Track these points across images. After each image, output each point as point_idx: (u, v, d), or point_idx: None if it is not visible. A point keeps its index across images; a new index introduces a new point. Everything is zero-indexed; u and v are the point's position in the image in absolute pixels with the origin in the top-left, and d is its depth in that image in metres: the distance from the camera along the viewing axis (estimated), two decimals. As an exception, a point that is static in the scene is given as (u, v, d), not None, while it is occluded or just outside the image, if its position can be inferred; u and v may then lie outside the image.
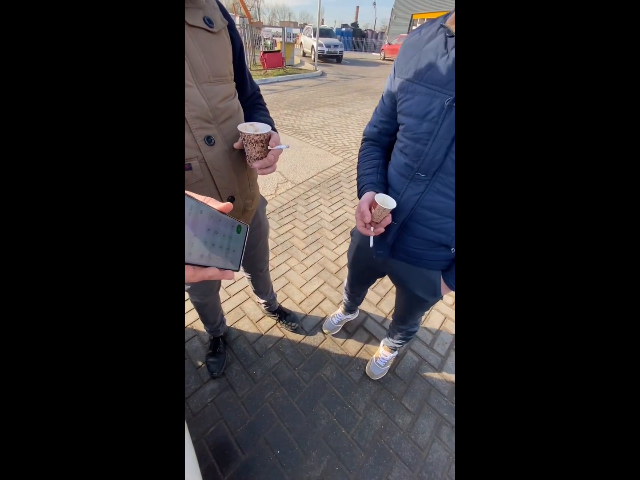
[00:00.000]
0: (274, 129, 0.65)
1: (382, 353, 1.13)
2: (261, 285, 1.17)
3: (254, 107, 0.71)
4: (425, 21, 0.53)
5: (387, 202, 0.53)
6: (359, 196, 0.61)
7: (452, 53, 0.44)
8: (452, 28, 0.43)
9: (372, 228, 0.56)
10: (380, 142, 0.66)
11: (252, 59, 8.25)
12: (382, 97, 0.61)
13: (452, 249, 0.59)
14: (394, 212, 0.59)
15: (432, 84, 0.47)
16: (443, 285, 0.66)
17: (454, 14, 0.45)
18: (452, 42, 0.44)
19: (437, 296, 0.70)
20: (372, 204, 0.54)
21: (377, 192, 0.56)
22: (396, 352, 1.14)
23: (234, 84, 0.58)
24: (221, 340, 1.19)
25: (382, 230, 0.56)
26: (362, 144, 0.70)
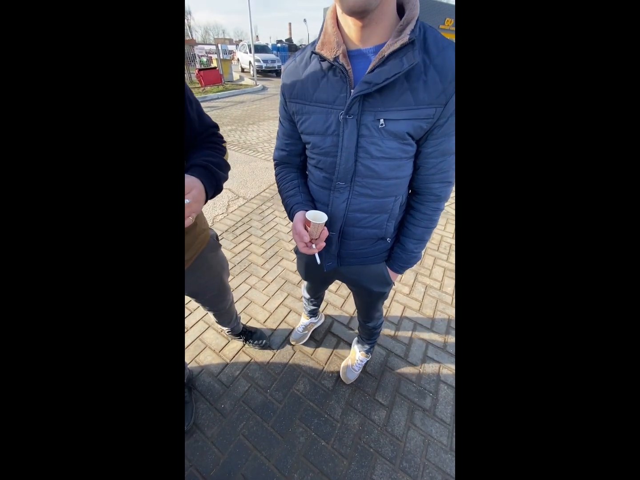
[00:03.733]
0: (211, 172, 0.57)
1: (358, 359, 1.13)
2: (226, 316, 1.11)
3: (200, 147, 0.64)
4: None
5: (318, 216, 0.54)
6: (290, 218, 0.63)
7: (330, 74, 0.50)
8: (322, 53, 0.48)
9: (313, 245, 0.56)
10: (292, 163, 0.68)
11: (189, 76, 7.98)
12: (280, 121, 0.63)
13: (388, 239, 0.65)
14: (329, 223, 0.61)
15: (323, 103, 0.51)
16: (390, 272, 0.72)
17: (320, 40, 0.49)
18: (326, 65, 0.49)
19: (390, 284, 0.76)
20: (306, 223, 0.55)
21: (307, 210, 0.57)
22: (371, 356, 1.16)
23: None
24: (185, 388, 1.07)
25: (323, 244, 0.57)
26: (275, 169, 0.71)
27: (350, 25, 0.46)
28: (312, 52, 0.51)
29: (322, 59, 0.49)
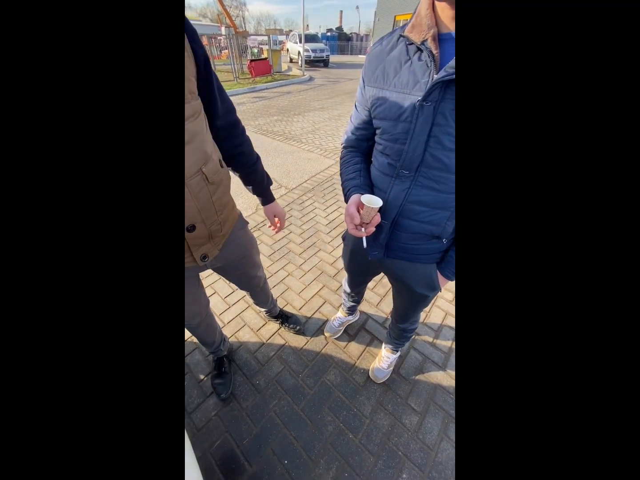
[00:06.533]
0: (250, 169, 0.80)
1: (385, 355, 1.12)
2: (261, 296, 1.16)
3: (236, 155, 0.74)
4: (401, 23, 0.55)
5: (373, 201, 0.53)
6: (346, 201, 0.62)
7: (415, 58, 0.47)
8: (410, 36, 0.46)
9: (363, 229, 0.56)
10: (359, 148, 0.68)
11: (240, 67, 8.33)
12: (355, 105, 0.63)
13: (444, 240, 0.60)
14: (383, 211, 0.60)
15: (401, 88, 0.49)
16: (440, 277, 0.67)
17: (411, 22, 0.48)
18: (412, 48, 0.48)
19: (436, 289, 0.71)
20: (360, 205, 0.55)
21: (363, 194, 0.56)
22: (399, 353, 1.13)
23: (196, 102, 0.53)
24: (225, 359, 1.14)
25: (373, 229, 0.57)
26: (342, 151, 0.72)
27: (443, 8, 0.43)
28: (400, 35, 0.49)
29: (410, 42, 0.47)
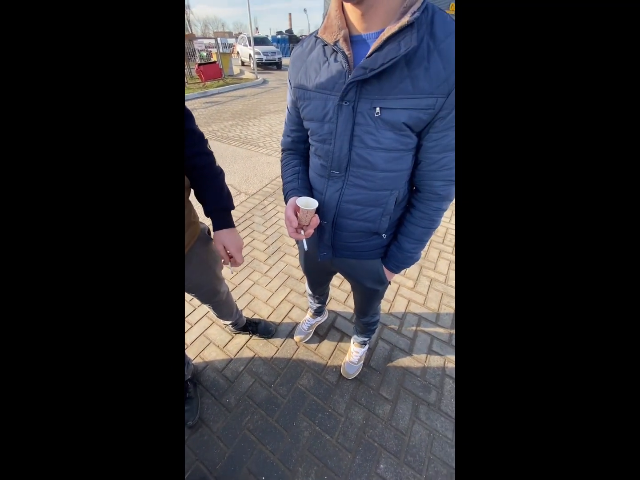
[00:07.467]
0: (230, 209, 0.74)
1: (354, 350, 1.14)
2: (225, 309, 1.10)
3: (186, 169, 0.67)
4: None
5: (309, 203, 0.53)
6: (286, 204, 0.62)
7: (331, 59, 0.48)
8: (323, 37, 0.47)
9: (302, 231, 0.56)
10: (297, 150, 0.68)
11: (189, 72, 7.92)
12: (288, 107, 0.63)
13: (383, 235, 0.63)
14: (322, 212, 0.61)
15: (322, 89, 0.50)
16: (386, 271, 0.69)
17: (323, 24, 0.48)
18: (328, 50, 0.49)
19: (385, 283, 0.74)
20: (296, 209, 0.55)
21: (300, 197, 0.56)
22: (367, 346, 1.16)
23: None
24: (189, 383, 1.07)
25: (311, 231, 0.57)
26: (281, 155, 0.72)
27: (351, 10, 0.44)
28: (315, 37, 0.50)
29: (325, 43, 0.48)
